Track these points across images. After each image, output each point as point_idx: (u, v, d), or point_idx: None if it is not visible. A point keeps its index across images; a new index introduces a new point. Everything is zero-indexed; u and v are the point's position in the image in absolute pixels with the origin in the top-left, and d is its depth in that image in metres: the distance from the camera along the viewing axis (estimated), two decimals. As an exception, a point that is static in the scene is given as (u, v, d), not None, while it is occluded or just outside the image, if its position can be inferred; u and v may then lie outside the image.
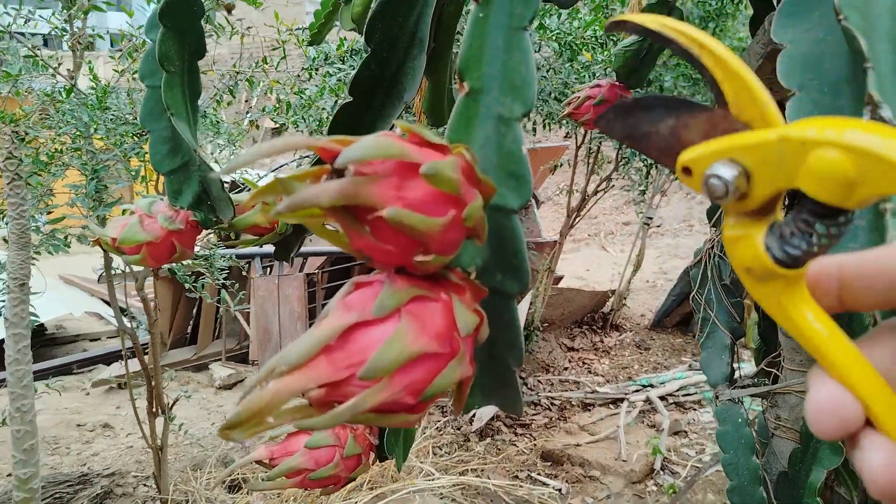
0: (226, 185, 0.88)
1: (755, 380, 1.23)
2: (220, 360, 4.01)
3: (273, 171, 3.74)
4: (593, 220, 8.57)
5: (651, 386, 4.04)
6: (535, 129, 3.66)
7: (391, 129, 0.74)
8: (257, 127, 2.48)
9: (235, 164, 0.36)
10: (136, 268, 2.25)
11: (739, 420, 1.17)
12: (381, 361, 0.33)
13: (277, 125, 3.06)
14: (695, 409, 3.82)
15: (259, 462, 0.77)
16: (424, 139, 0.39)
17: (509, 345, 0.47)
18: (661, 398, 3.84)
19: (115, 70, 2.13)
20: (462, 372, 0.37)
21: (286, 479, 0.73)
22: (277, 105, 2.57)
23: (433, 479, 2.72)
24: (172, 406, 2.32)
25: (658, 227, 8.16)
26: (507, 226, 0.46)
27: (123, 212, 0.87)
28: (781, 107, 0.33)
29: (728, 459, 1.15)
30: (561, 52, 2.90)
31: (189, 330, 4.22)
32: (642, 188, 4.28)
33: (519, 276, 0.46)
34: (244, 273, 3.56)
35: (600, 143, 4.06)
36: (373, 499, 2.36)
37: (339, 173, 0.35)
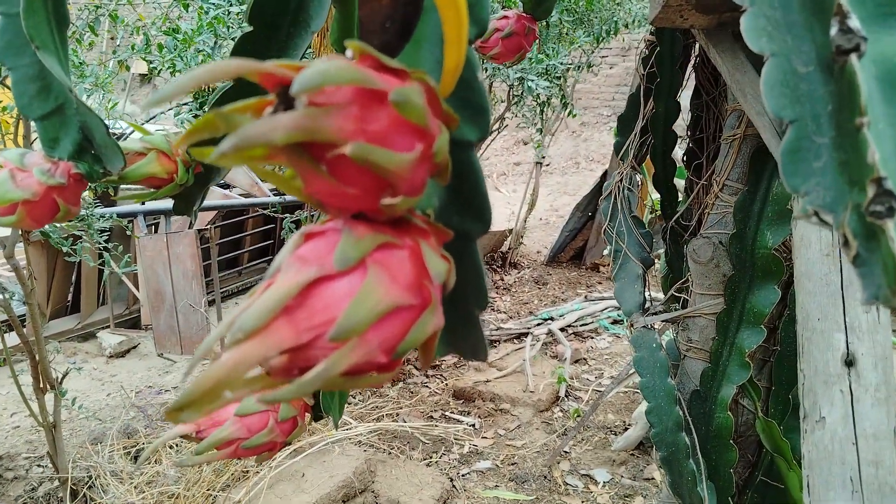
0: (112, 133, 0.77)
1: (666, 306, 1.28)
2: (108, 327, 3.75)
3: (148, 121, 3.43)
4: (486, 162, 8.65)
5: (551, 319, 4.20)
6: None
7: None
8: (127, 68, 2.22)
9: (165, 93, 0.30)
10: (1, 232, 2.02)
11: (654, 345, 1.22)
12: (353, 319, 0.30)
13: (149, 70, 2.78)
14: (592, 338, 4.03)
15: (185, 436, 0.70)
16: (380, 62, 0.33)
17: (473, 289, 0.43)
18: (562, 330, 4.00)
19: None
20: (435, 323, 0.34)
21: (217, 450, 0.67)
22: (147, 45, 2.32)
23: (350, 428, 2.71)
24: (62, 380, 2.14)
25: (547, 165, 8.36)
26: (464, 161, 0.42)
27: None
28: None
29: (645, 383, 1.20)
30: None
31: (70, 297, 3.89)
32: (539, 127, 4.33)
33: (480, 214, 0.43)
34: (128, 233, 3.29)
35: (492, 81, 4.04)
36: (291, 454, 2.32)
37: (286, 104, 0.30)
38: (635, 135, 1.31)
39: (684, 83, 1.26)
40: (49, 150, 0.74)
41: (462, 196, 0.43)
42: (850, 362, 0.84)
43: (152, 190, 0.83)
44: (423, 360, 0.38)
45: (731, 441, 1.15)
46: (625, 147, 1.34)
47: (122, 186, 0.82)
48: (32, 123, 0.86)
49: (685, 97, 1.28)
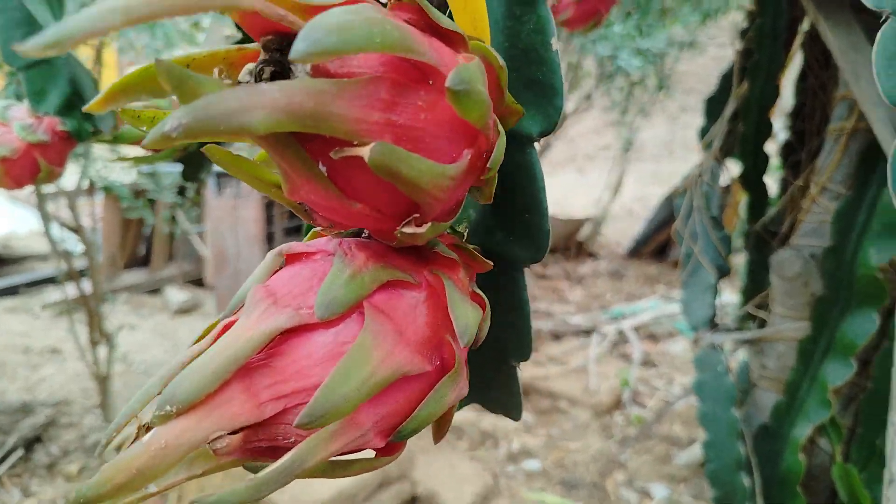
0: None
1: (740, 324, 1.12)
2: (175, 283, 3.85)
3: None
4: (570, 143, 8.36)
5: (623, 316, 3.99)
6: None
7: None
8: (201, 29, 2.15)
9: (69, 31, 0.16)
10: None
11: (719, 368, 1.06)
12: (334, 398, 0.19)
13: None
14: (666, 341, 3.80)
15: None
16: (429, 18, 0.22)
17: (513, 335, 0.32)
18: (634, 329, 3.80)
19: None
20: (457, 394, 0.24)
21: None
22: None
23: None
24: (116, 335, 2.19)
25: (638, 151, 7.99)
26: (519, 162, 0.30)
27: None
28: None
29: (704, 411, 1.05)
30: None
31: (143, 251, 4.02)
32: (623, 109, 4.08)
33: (533, 235, 0.30)
34: (196, 193, 3.34)
35: (579, 55, 3.81)
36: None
37: (278, 64, 0.20)
38: (724, 120, 1.13)
39: (788, 63, 1.07)
40: (35, 103, 0.67)
41: (511, 209, 0.30)
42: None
43: (149, 153, 0.75)
44: (435, 435, 0.27)
45: (799, 488, 0.99)
46: (709, 133, 1.17)
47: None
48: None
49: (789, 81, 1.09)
